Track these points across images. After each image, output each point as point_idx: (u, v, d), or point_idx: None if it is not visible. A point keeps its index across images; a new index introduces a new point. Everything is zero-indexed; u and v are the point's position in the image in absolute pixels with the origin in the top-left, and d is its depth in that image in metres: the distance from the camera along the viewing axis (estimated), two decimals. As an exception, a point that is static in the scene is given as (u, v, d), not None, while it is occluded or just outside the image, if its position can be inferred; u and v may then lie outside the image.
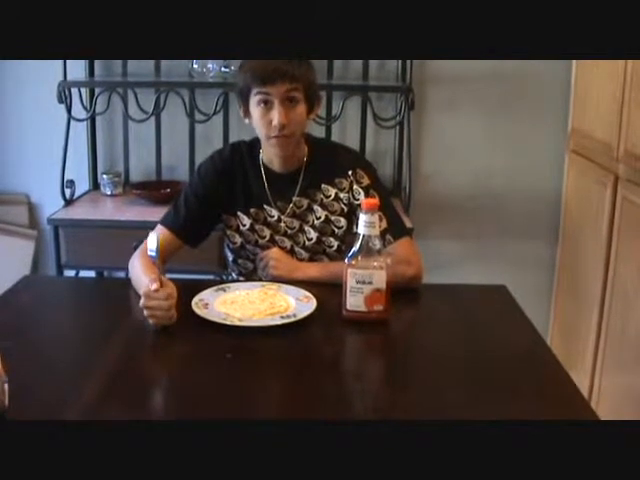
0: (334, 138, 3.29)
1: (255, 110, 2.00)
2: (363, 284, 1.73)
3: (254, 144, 2.14)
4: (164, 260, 1.96)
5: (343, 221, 2.12)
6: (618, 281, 2.74)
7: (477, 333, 1.81)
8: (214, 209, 2.15)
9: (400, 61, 3.27)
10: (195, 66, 3.13)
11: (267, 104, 1.97)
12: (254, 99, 1.98)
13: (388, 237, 2.03)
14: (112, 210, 3.21)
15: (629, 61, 2.63)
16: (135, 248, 2.57)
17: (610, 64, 2.82)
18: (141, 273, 1.90)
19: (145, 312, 1.70)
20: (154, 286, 1.70)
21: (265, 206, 2.13)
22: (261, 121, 1.99)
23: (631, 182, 2.63)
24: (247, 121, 2.07)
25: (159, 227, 2.09)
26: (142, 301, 1.70)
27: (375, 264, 1.73)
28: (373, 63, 3.33)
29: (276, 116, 1.96)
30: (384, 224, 2.02)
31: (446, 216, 3.48)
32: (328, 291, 1.88)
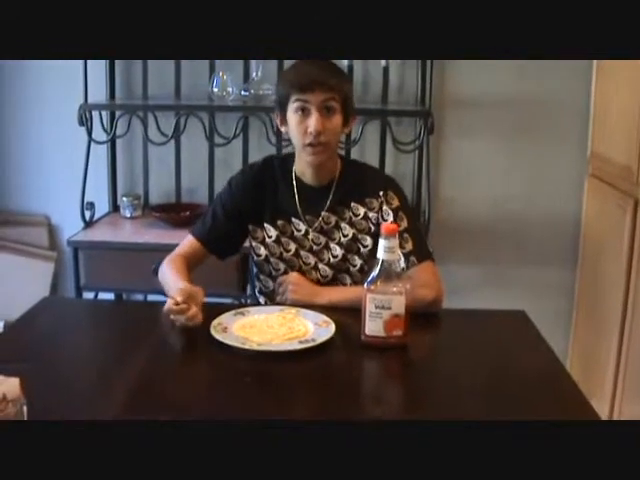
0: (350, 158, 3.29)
1: (292, 117, 2.03)
2: (382, 309, 1.73)
3: (287, 158, 2.18)
4: (190, 268, 2.11)
5: (369, 240, 2.13)
6: (638, 306, 2.71)
7: (496, 358, 1.80)
8: (241, 222, 2.18)
9: (419, 85, 3.27)
10: (215, 90, 3.15)
11: (304, 112, 2.01)
12: (292, 106, 2.02)
13: (412, 259, 2.05)
14: (131, 232, 3.22)
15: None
16: (154, 271, 2.59)
17: (629, 87, 2.82)
18: (168, 278, 2.04)
19: (171, 316, 1.83)
20: (178, 299, 1.81)
21: (293, 219, 2.14)
22: (297, 128, 2.03)
23: (651, 207, 2.62)
24: (283, 129, 2.11)
25: (188, 235, 2.19)
26: (165, 309, 1.83)
27: (394, 289, 1.72)
28: (392, 87, 3.35)
29: (313, 123, 1.99)
30: (410, 246, 2.05)
31: (465, 241, 3.47)
32: (347, 316, 1.88)
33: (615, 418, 2.84)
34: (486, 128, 3.40)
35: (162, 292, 2.95)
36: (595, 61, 3.22)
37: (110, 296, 3.38)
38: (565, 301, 3.49)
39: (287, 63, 3.18)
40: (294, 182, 2.15)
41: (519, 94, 3.34)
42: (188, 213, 3.25)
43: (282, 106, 2.06)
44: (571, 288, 3.48)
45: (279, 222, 2.15)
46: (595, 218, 3.27)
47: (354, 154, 3.31)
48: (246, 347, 1.72)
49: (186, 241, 2.19)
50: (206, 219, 2.19)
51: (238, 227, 2.18)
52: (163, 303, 1.86)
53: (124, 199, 3.38)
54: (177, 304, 1.80)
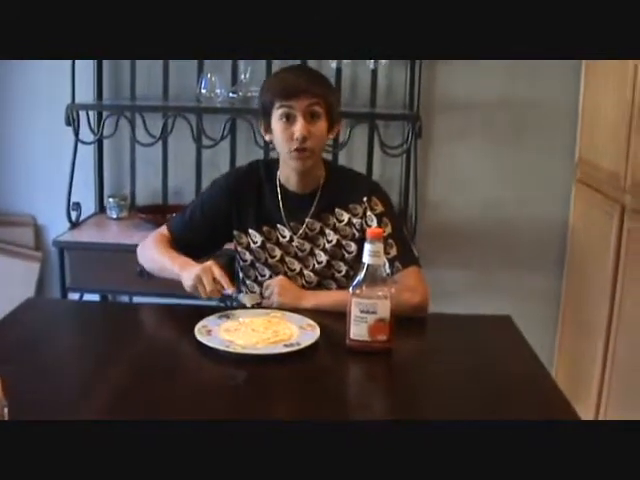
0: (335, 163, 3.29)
1: (277, 124, 2.03)
2: (367, 314, 1.72)
3: (272, 163, 2.17)
4: None
5: (354, 246, 2.12)
6: (624, 313, 2.72)
7: (481, 363, 1.79)
8: (219, 226, 2.17)
9: (408, 88, 3.27)
10: (203, 91, 3.14)
11: (289, 118, 2.00)
12: (276, 113, 2.02)
13: (397, 265, 2.04)
14: (117, 233, 3.21)
15: (637, 90, 2.64)
16: (140, 272, 2.58)
17: (617, 93, 2.83)
18: (163, 256, 2.10)
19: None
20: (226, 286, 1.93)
21: (278, 225, 2.14)
22: (283, 135, 2.03)
23: (638, 213, 2.63)
24: (267, 137, 2.11)
25: (163, 227, 2.23)
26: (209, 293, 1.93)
27: (379, 294, 1.72)
28: (380, 90, 3.35)
29: (298, 128, 1.99)
30: (394, 251, 2.05)
31: (452, 245, 3.47)
32: (332, 320, 1.87)
33: (600, 423, 2.84)
34: (474, 132, 3.41)
35: (148, 294, 2.99)
36: (584, 67, 3.23)
37: (95, 297, 3.36)
38: (551, 306, 3.50)
39: (275, 64, 3.20)
40: (278, 188, 2.14)
41: (507, 99, 3.34)
42: (175, 215, 3.23)
43: (266, 114, 2.06)
44: (557, 293, 3.49)
45: (264, 228, 2.14)
46: (582, 224, 3.28)
47: (342, 158, 3.31)
48: (230, 350, 1.71)
49: (161, 230, 2.22)
50: (185, 216, 2.21)
51: (213, 229, 2.18)
52: (144, 304, 1.87)
53: (110, 200, 3.37)
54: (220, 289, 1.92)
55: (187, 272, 1.97)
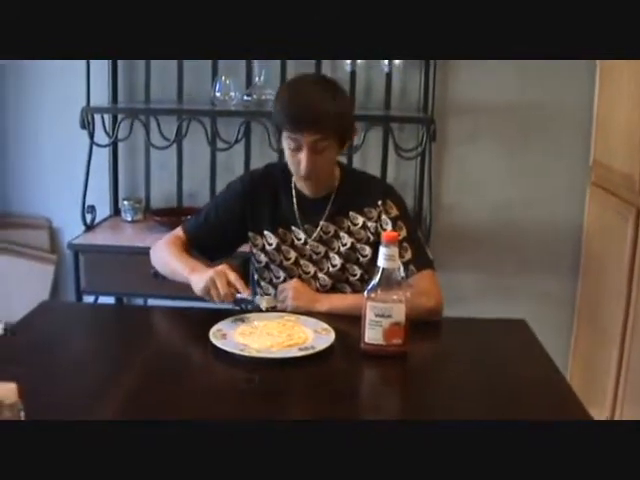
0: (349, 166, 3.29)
1: (285, 146, 2.03)
2: (382, 317, 1.72)
3: (288, 167, 2.12)
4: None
5: (368, 250, 2.12)
6: (639, 317, 2.70)
7: (496, 367, 1.79)
8: (233, 228, 2.18)
9: (422, 91, 3.27)
10: (218, 94, 3.15)
11: (296, 147, 1.99)
12: (284, 139, 2.01)
13: (411, 268, 2.04)
14: (132, 236, 3.22)
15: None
16: (154, 274, 2.58)
17: (632, 96, 2.81)
18: (174, 259, 2.10)
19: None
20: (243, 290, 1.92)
21: (293, 228, 2.14)
22: (290, 159, 2.03)
23: (653, 216, 2.62)
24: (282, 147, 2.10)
25: (179, 228, 2.22)
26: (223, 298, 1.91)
27: (394, 297, 1.72)
28: (395, 93, 3.34)
29: (303, 162, 1.98)
30: (409, 255, 2.05)
31: (466, 248, 3.46)
32: (347, 323, 1.87)
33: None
34: (488, 135, 3.40)
35: (162, 296, 2.99)
36: (598, 68, 3.22)
37: (110, 300, 3.37)
38: (566, 310, 3.48)
39: (290, 65, 3.21)
40: (294, 192, 2.14)
41: (521, 101, 3.33)
42: (190, 217, 3.24)
43: (277, 129, 2.05)
44: (572, 297, 3.47)
45: (280, 230, 2.14)
46: (597, 226, 3.26)
47: (356, 161, 3.31)
48: (245, 354, 1.71)
49: (176, 232, 2.21)
50: (200, 217, 2.22)
51: (228, 231, 2.18)
52: (163, 308, 1.87)
53: (125, 203, 3.38)
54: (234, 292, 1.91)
55: (197, 275, 1.96)
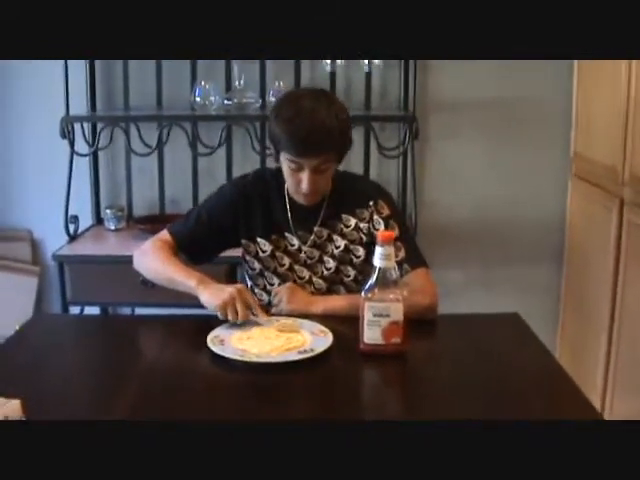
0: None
1: (284, 166, 2.01)
2: (380, 317, 1.72)
3: (279, 173, 2.10)
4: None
5: (362, 251, 2.12)
6: (627, 305, 2.73)
7: (494, 363, 1.80)
8: (225, 234, 2.15)
9: (402, 89, 3.28)
10: (197, 99, 3.13)
11: (297, 167, 1.98)
12: (284, 159, 1.99)
13: (405, 266, 2.04)
14: (116, 245, 3.20)
15: (632, 83, 2.65)
16: (142, 281, 2.56)
17: (611, 87, 2.84)
18: (170, 267, 2.05)
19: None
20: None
21: (286, 234, 2.13)
22: (289, 178, 2.02)
23: (637, 206, 2.63)
24: (277, 163, 2.08)
25: (164, 231, 2.17)
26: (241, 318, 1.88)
27: (392, 297, 1.72)
28: (375, 92, 3.35)
29: (305, 183, 1.98)
30: (402, 253, 2.04)
31: (450, 244, 3.48)
32: (341, 324, 1.88)
33: (606, 415, 2.84)
34: (469, 131, 3.42)
35: (150, 305, 2.97)
36: (576, 61, 3.24)
37: (96, 310, 3.35)
38: (551, 301, 3.51)
39: (269, 69, 3.21)
40: (286, 199, 2.13)
41: (501, 96, 3.36)
42: (175, 221, 3.21)
43: (275, 146, 2.02)
44: (557, 287, 3.50)
45: (273, 237, 2.13)
46: (580, 218, 3.29)
47: (338, 161, 3.30)
48: (245, 359, 1.70)
49: (161, 236, 2.16)
50: (189, 221, 2.17)
51: (219, 238, 2.17)
52: (152, 317, 1.85)
53: (108, 211, 3.36)
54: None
55: (212, 291, 1.92)
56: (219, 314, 1.89)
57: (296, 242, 2.13)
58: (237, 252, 2.23)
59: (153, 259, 2.11)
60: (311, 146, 1.93)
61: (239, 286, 1.93)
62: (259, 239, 2.14)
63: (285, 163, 2.00)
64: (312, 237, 2.12)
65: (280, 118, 1.96)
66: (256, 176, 2.21)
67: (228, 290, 1.89)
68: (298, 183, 2.00)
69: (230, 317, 1.87)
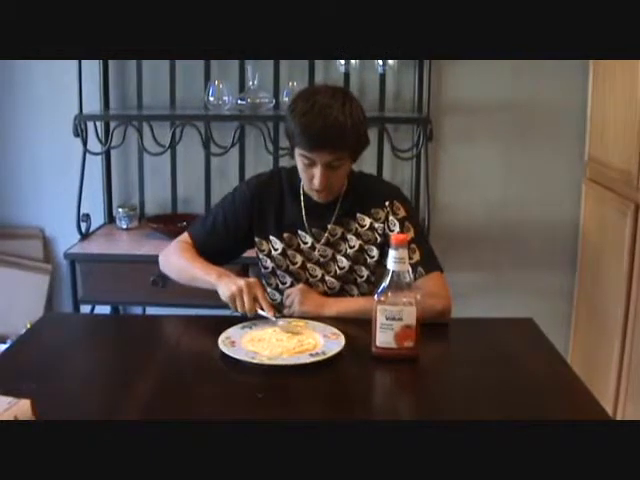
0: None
1: (298, 160, 2.01)
2: (393, 320, 1.71)
3: (295, 172, 2.10)
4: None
5: (375, 251, 2.11)
6: (641, 311, 2.71)
7: (508, 367, 1.78)
8: (241, 233, 2.16)
9: (416, 91, 3.26)
10: (211, 99, 3.13)
11: (310, 163, 1.98)
12: (298, 154, 1.99)
13: (420, 270, 2.03)
14: (128, 244, 3.20)
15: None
16: (153, 282, 2.56)
17: (626, 91, 2.82)
18: (193, 265, 2.07)
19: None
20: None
21: (299, 232, 2.13)
22: (303, 173, 2.02)
23: (653, 210, 2.62)
24: (293, 159, 2.08)
25: (185, 234, 2.20)
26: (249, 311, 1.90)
27: (405, 300, 1.70)
28: (389, 94, 3.34)
29: (317, 179, 1.98)
30: (417, 256, 2.03)
31: (463, 247, 3.46)
32: (354, 327, 1.87)
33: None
34: (483, 133, 3.40)
35: (161, 304, 2.97)
36: (591, 64, 3.22)
37: (107, 309, 3.35)
38: (565, 305, 3.49)
39: (283, 69, 3.20)
40: (301, 196, 2.13)
41: (516, 99, 3.34)
42: (185, 223, 3.21)
43: (290, 140, 2.02)
44: (570, 292, 3.48)
45: (285, 235, 2.13)
46: (593, 222, 3.27)
47: (352, 162, 3.29)
48: (257, 362, 1.69)
49: (183, 238, 2.19)
50: (206, 222, 2.19)
51: (236, 238, 2.17)
52: (164, 317, 1.85)
53: (120, 210, 3.35)
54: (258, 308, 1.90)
55: (226, 282, 1.94)
56: (230, 304, 1.92)
57: (309, 240, 2.12)
58: (249, 252, 2.23)
59: (178, 259, 2.13)
60: (323, 141, 1.92)
61: (250, 279, 1.94)
62: (272, 237, 2.14)
63: (299, 158, 2.00)
64: (326, 235, 2.12)
65: (295, 112, 1.96)
66: (272, 174, 2.21)
67: (238, 283, 1.91)
68: (311, 179, 2.00)
69: (238, 309, 1.90)
